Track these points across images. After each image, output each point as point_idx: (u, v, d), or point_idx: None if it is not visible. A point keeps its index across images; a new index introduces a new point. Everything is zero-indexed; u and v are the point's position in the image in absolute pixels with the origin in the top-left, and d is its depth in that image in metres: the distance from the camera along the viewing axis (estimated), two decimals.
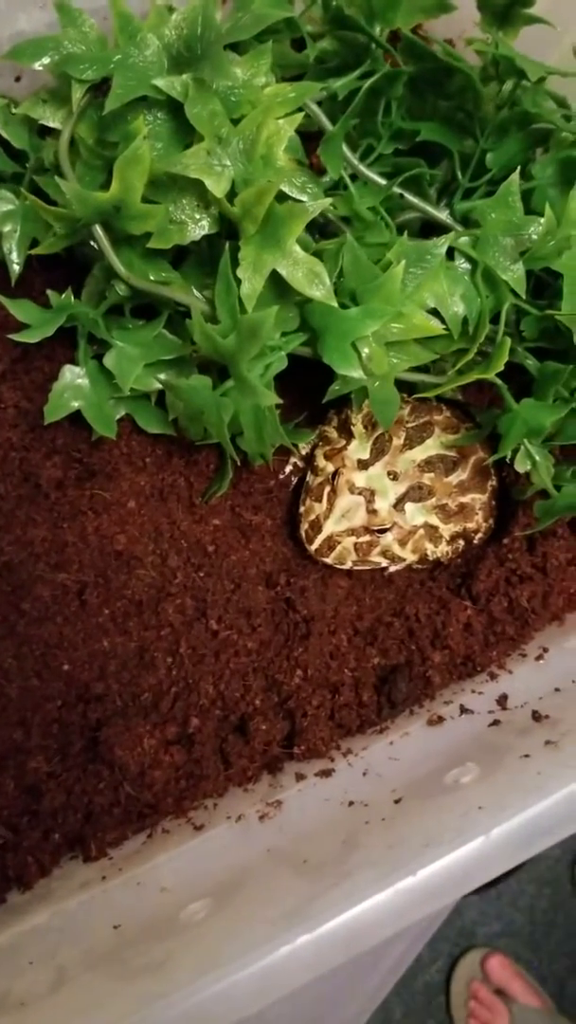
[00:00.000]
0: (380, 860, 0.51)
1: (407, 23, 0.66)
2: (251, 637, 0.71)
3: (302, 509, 0.72)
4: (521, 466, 0.65)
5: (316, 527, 0.71)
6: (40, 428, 0.71)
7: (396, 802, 0.57)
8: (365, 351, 0.59)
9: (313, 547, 0.71)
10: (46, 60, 0.61)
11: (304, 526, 0.72)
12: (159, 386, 0.67)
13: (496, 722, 0.62)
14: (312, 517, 0.71)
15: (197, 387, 0.61)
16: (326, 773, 0.64)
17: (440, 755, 0.61)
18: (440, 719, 0.65)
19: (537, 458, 0.64)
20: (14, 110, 0.67)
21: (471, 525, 0.73)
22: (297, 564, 0.72)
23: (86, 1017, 0.49)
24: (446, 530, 0.72)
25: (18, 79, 0.72)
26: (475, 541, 0.74)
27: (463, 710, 0.65)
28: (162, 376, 0.67)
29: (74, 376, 0.67)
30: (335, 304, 0.58)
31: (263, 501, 0.74)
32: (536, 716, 0.61)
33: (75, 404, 0.66)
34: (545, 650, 0.68)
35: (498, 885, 1.70)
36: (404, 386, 0.66)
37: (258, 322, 0.55)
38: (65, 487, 0.71)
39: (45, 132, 0.69)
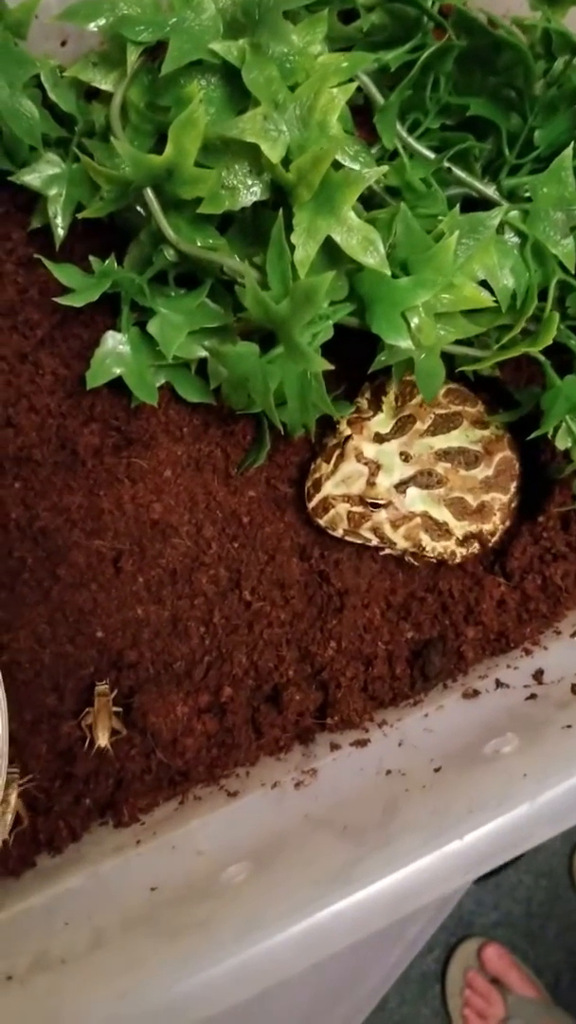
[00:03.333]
0: (424, 825, 0.51)
1: None
2: (284, 609, 0.71)
3: (312, 466, 0.72)
4: (562, 443, 0.65)
5: (317, 486, 0.70)
6: (78, 395, 0.71)
7: (436, 771, 0.57)
8: (415, 321, 0.59)
9: (311, 505, 0.71)
10: (101, 21, 0.61)
11: (308, 483, 0.72)
12: (202, 354, 0.67)
13: (533, 696, 0.63)
14: (316, 475, 0.71)
15: (244, 354, 0.61)
16: (361, 743, 0.64)
17: (477, 727, 0.61)
18: (475, 692, 0.65)
19: None
20: (63, 74, 0.66)
21: (487, 527, 0.71)
22: (331, 538, 0.72)
23: (129, 974, 0.49)
24: (458, 527, 0.70)
25: (63, 43, 0.72)
26: (490, 545, 0.73)
27: (498, 684, 0.65)
28: (206, 344, 0.66)
29: (116, 343, 0.66)
30: (388, 272, 0.58)
31: (298, 474, 0.74)
32: None
33: (117, 371, 0.66)
34: None
35: (496, 875, 1.70)
36: (445, 359, 0.66)
37: (313, 287, 0.55)
38: (102, 455, 0.71)
39: (91, 96, 0.69)
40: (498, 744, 0.57)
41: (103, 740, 0.65)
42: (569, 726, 0.56)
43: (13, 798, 0.63)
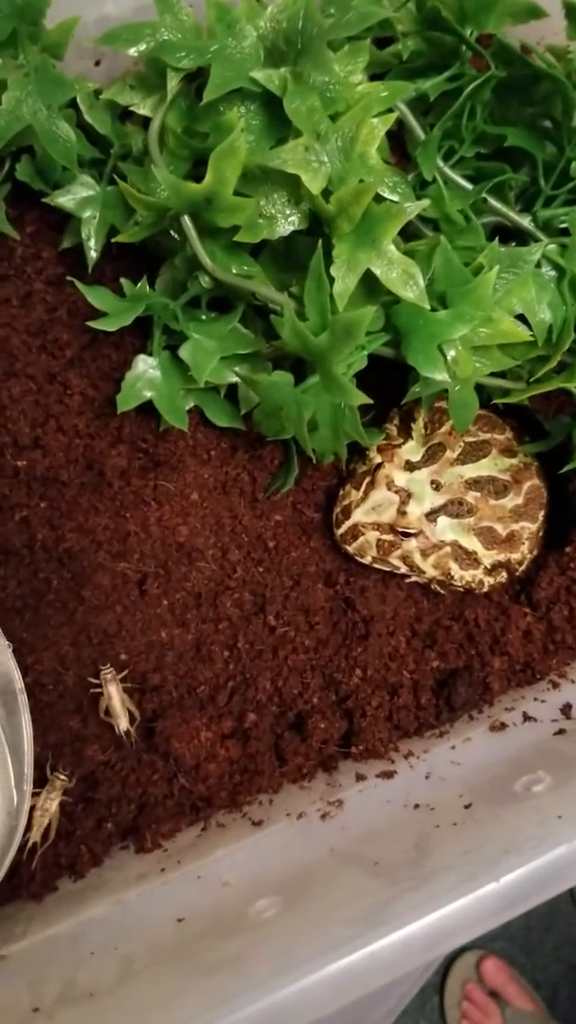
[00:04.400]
0: (458, 865, 0.51)
1: (497, 27, 0.66)
2: (309, 635, 0.71)
3: (341, 493, 0.72)
4: None
5: (347, 513, 0.70)
6: (106, 416, 0.70)
7: (466, 807, 0.57)
8: (451, 354, 0.59)
9: (339, 532, 0.71)
10: (142, 47, 0.60)
11: (337, 509, 0.72)
12: (233, 379, 0.67)
13: (562, 731, 0.63)
14: (346, 502, 0.71)
15: (278, 383, 0.61)
16: (387, 775, 0.64)
17: (506, 762, 0.61)
18: (502, 725, 0.65)
19: None
20: (99, 96, 0.66)
21: (516, 556, 0.71)
22: (357, 564, 0.72)
23: (160, 1011, 0.48)
24: (487, 556, 0.70)
25: (98, 63, 0.71)
26: (517, 573, 0.73)
27: (526, 717, 0.65)
28: (238, 370, 0.66)
29: (147, 366, 0.66)
30: (427, 306, 0.58)
31: (325, 499, 0.74)
32: None
33: (147, 394, 0.66)
34: None
35: None
36: (476, 390, 0.65)
37: (354, 322, 0.55)
38: (129, 476, 0.71)
39: (125, 116, 0.68)
40: (529, 782, 0.56)
41: (124, 724, 0.66)
42: None
43: (54, 805, 0.64)
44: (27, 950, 0.59)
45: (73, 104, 0.66)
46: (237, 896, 0.57)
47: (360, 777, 0.65)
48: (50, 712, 0.67)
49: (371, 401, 0.59)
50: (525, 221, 0.66)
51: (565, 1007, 1.64)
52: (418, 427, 0.71)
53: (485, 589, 0.71)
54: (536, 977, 1.66)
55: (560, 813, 0.51)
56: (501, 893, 0.49)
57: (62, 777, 0.64)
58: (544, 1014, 1.60)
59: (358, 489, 0.70)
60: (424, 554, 0.69)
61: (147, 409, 0.68)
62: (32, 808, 0.63)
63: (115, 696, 0.66)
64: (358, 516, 0.69)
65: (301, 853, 0.59)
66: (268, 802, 0.66)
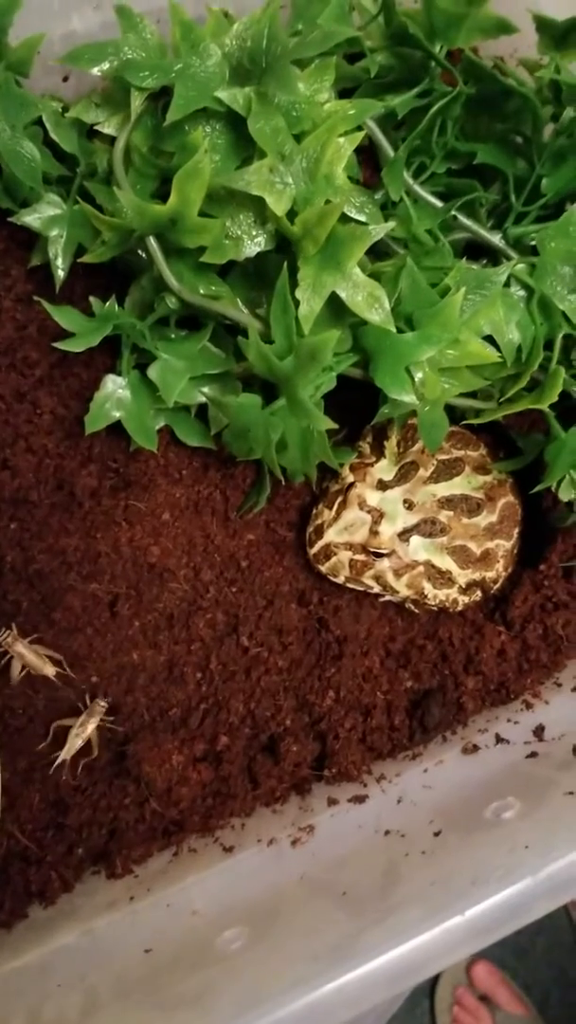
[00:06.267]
0: (425, 897, 0.50)
1: (467, 42, 0.65)
2: (282, 655, 0.70)
3: (314, 512, 0.72)
4: (566, 495, 0.64)
5: (319, 533, 0.70)
6: (76, 436, 0.70)
7: (436, 835, 0.56)
8: (419, 376, 0.59)
9: (312, 552, 0.70)
10: (105, 66, 0.59)
11: (309, 528, 0.71)
12: (202, 399, 0.66)
13: (534, 754, 0.62)
14: (318, 522, 0.70)
15: (246, 405, 0.60)
16: (359, 799, 0.64)
17: (477, 786, 0.61)
18: (475, 748, 0.64)
19: None
20: (65, 114, 0.65)
21: (491, 574, 0.71)
22: (331, 583, 0.72)
23: None
24: (461, 576, 0.70)
25: (66, 79, 0.71)
26: (492, 592, 0.72)
27: (499, 739, 0.64)
28: (206, 390, 0.66)
29: (116, 386, 0.65)
30: (393, 329, 0.57)
31: (298, 518, 0.74)
32: None
33: (116, 414, 0.65)
34: None
35: None
36: (448, 409, 0.65)
37: (319, 346, 0.54)
38: (99, 496, 0.70)
39: (92, 135, 0.68)
40: (499, 808, 0.56)
41: (50, 670, 0.66)
42: (571, 792, 0.55)
43: (91, 727, 0.65)
44: None
45: (40, 121, 0.65)
46: (205, 925, 0.57)
47: (332, 801, 0.64)
48: (20, 737, 0.66)
49: (336, 426, 0.59)
50: (496, 238, 0.66)
51: (556, 1011, 1.64)
52: (391, 445, 0.71)
53: (459, 608, 0.71)
54: (527, 981, 1.66)
55: (528, 843, 0.51)
56: (467, 926, 0.48)
57: (102, 704, 0.66)
58: (535, 1018, 1.59)
59: (330, 508, 0.70)
60: (397, 574, 0.69)
61: (118, 428, 0.67)
62: (68, 727, 0.66)
63: (26, 652, 0.66)
64: (330, 536, 0.69)
65: (271, 881, 0.59)
66: (240, 827, 0.65)
